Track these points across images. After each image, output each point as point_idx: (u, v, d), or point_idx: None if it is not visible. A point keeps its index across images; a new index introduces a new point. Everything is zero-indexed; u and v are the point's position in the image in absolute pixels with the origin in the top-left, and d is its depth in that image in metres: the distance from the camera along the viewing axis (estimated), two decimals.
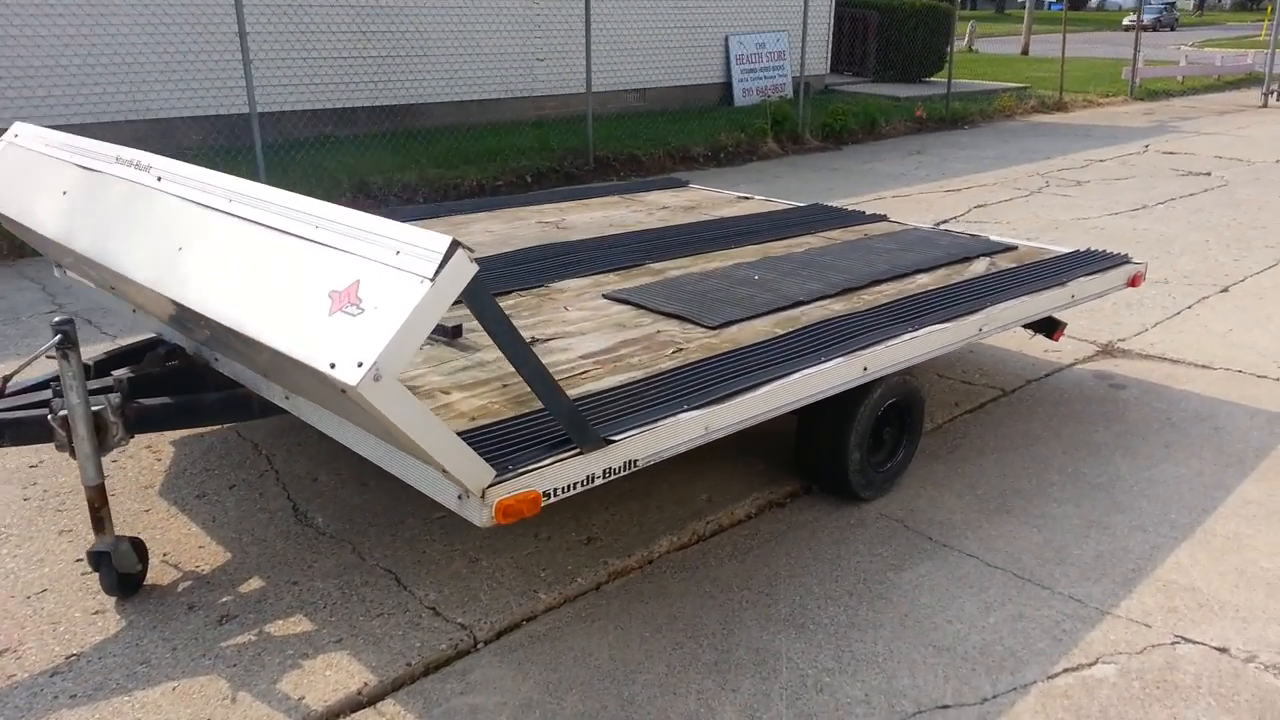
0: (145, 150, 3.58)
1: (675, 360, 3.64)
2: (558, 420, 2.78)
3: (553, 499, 2.81)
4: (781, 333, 3.96)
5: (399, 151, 12.12)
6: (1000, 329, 4.45)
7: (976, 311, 4.29)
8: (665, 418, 3.10)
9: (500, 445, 2.85)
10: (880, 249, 5.37)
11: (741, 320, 4.10)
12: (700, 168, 13.28)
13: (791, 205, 6.72)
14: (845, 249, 5.35)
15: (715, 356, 3.64)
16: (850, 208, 7.08)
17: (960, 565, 3.82)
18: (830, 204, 7.42)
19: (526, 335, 3.85)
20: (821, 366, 3.60)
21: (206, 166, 3.30)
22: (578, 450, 2.84)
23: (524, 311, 4.19)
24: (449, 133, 13.26)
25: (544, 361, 3.45)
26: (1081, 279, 4.81)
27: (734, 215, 6.26)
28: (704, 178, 12.11)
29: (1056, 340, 5.25)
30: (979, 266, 5.12)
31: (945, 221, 9.65)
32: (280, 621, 3.42)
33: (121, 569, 3.42)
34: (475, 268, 2.31)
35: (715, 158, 13.80)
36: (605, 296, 4.41)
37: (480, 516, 2.64)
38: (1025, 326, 4.95)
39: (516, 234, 5.62)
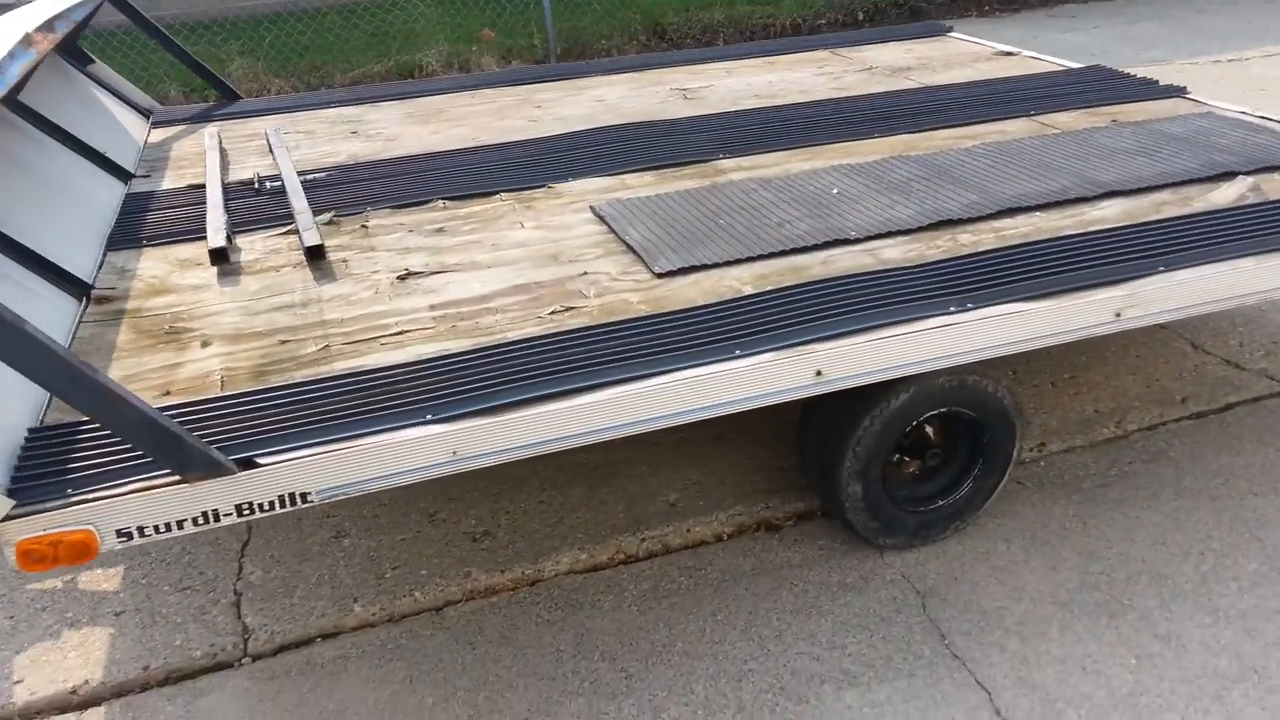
0: None
1: (545, 325, 2.53)
2: (120, 435, 1.94)
3: (134, 541, 1.99)
4: (751, 292, 2.63)
5: None
6: (1167, 315, 2.66)
7: (1112, 284, 2.57)
8: (377, 432, 2.10)
9: (83, 453, 2.06)
10: (1110, 146, 3.53)
11: (717, 265, 2.81)
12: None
13: (1060, 68, 4.76)
14: (1051, 144, 3.59)
15: (601, 325, 2.47)
16: (1153, 75, 4.90)
17: (950, 703, 2.39)
18: (1129, 69, 5.22)
19: (407, 264, 2.93)
20: (729, 364, 2.30)
21: None
22: (177, 478, 1.98)
23: (470, 223, 3.23)
24: None
25: (408, 303, 2.59)
26: None
27: (951, 83, 4.54)
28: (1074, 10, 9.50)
29: None
30: (1231, 191, 3.14)
31: None
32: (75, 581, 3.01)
33: None
34: None
35: None
36: (592, 209, 3.29)
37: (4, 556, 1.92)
38: None
39: (623, 104, 4.50)
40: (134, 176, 3.82)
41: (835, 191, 3.28)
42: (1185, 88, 4.27)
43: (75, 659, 2.69)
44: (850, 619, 2.65)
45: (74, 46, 4.50)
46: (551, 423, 2.19)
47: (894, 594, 2.73)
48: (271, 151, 3.95)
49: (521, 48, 9.46)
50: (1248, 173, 3.27)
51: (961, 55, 5.18)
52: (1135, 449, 3.28)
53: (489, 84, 5.00)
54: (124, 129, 4.33)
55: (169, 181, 3.75)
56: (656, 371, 2.29)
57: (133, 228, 3.29)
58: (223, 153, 4.02)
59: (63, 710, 2.56)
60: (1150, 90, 4.30)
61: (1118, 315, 2.59)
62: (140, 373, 2.41)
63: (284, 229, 3.22)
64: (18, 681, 2.64)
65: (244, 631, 2.74)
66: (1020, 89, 4.34)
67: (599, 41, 9.65)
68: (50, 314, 2.61)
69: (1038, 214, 3.05)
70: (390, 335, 2.53)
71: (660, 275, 2.77)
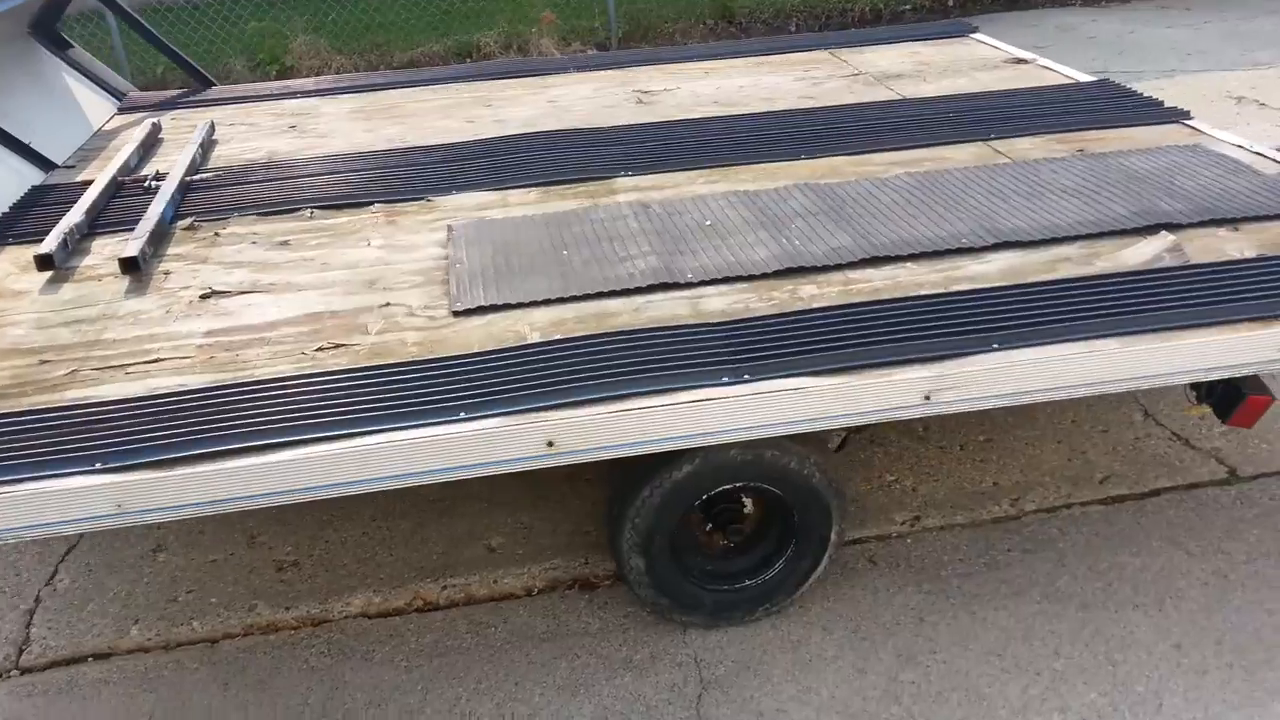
0: None
1: (300, 364, 2.39)
2: None
3: None
4: (537, 340, 2.41)
5: None
6: (1001, 401, 2.29)
7: (920, 363, 2.23)
8: (37, 478, 2.01)
9: None
10: (1046, 183, 3.11)
11: (520, 306, 2.59)
12: None
13: (1065, 82, 4.27)
14: (982, 177, 3.19)
15: (352, 371, 2.31)
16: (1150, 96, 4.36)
17: None
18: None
19: (224, 281, 2.82)
20: (450, 428, 2.11)
21: None
22: None
23: (321, 237, 3.11)
24: None
25: (186, 327, 2.54)
26: None
27: (929, 95, 4.13)
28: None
29: (1237, 425, 2.61)
30: (1146, 250, 2.70)
31: None
32: None
33: None
34: None
35: None
36: (449, 229, 3.11)
37: None
38: (1191, 388, 2.57)
39: (573, 107, 4.28)
40: (57, 167, 3.86)
41: (709, 223, 3.00)
42: (1188, 112, 3.74)
43: None
44: (615, 705, 2.42)
45: (51, 31, 4.59)
46: (229, 481, 2.04)
47: (674, 680, 2.48)
48: (192, 146, 3.92)
49: (582, 30, 9.28)
50: (1185, 226, 2.81)
51: (966, 61, 4.72)
52: (1022, 534, 2.89)
53: (465, 78, 4.86)
54: (78, 115, 4.39)
55: (86, 174, 3.77)
56: (363, 431, 2.11)
57: (8, 222, 3.30)
58: (152, 145, 4.02)
59: None
60: (1147, 114, 3.79)
61: (926, 398, 2.25)
62: None
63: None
64: None
65: (24, 642, 2.72)
66: (997, 107, 3.90)
67: (663, 25, 9.37)
68: None
69: (907, 264, 2.70)
70: (142, 363, 2.43)
71: (456, 314, 2.58)
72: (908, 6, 9.62)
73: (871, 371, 2.23)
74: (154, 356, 2.45)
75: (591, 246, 2.87)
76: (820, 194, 3.15)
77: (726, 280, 2.66)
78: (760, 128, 3.82)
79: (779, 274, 2.68)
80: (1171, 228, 2.81)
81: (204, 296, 2.75)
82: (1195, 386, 2.58)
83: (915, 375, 2.22)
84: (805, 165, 3.47)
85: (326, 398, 2.21)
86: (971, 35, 5.19)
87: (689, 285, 2.65)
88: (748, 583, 2.61)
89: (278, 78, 8.66)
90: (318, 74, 8.67)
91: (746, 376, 2.21)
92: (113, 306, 2.73)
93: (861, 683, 2.43)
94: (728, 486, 2.45)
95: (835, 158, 3.53)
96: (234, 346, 2.49)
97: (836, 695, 2.40)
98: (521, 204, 3.29)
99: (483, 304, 2.59)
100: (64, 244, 3.00)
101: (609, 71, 4.85)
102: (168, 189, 3.38)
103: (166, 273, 2.91)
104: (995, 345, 2.28)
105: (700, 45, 5.38)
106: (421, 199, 3.36)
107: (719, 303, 2.55)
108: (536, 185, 3.41)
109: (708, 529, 2.58)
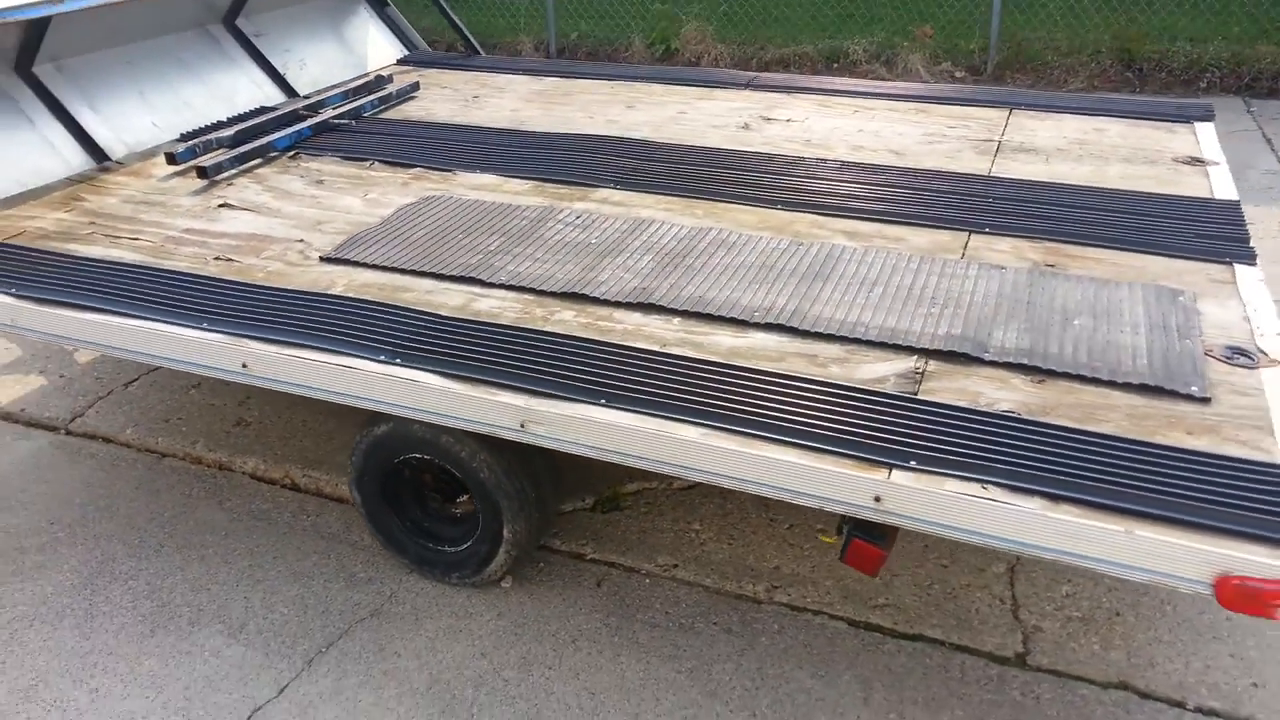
0: None
1: (190, 265, 3.21)
2: None
3: None
4: (327, 293, 2.99)
5: (1210, 9, 8.96)
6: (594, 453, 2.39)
7: (516, 390, 2.43)
8: None
9: None
10: (966, 293, 2.89)
11: (362, 265, 3.16)
12: None
13: (1198, 196, 3.66)
14: (881, 260, 3.06)
15: (199, 276, 3.06)
16: None
17: None
18: None
19: (239, 196, 3.73)
20: (168, 329, 2.79)
21: None
22: None
23: (346, 183, 3.78)
24: None
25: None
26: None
27: (1026, 179, 3.75)
28: None
29: (854, 567, 2.24)
30: (882, 369, 2.52)
31: None
32: None
33: None
34: None
35: None
36: (417, 201, 3.71)
37: None
38: (843, 520, 2.42)
39: (679, 121, 4.54)
40: (298, 96, 5.07)
41: (594, 240, 3.28)
42: (1253, 254, 3.11)
43: None
44: (307, 595, 2.97)
45: None
46: (65, 324, 2.93)
47: (362, 598, 2.95)
48: (370, 96, 4.88)
49: (958, 50, 9.00)
50: (987, 362, 2.54)
51: (1135, 149, 4.14)
52: (741, 616, 2.84)
53: (647, 78, 5.30)
54: (357, 57, 5.58)
55: (305, 104, 4.91)
56: (151, 318, 2.86)
57: (219, 126, 4.49)
58: (373, 91, 5.05)
59: None
60: (1207, 249, 3.19)
61: (521, 426, 2.45)
62: None
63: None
64: None
65: (78, 415, 3.93)
66: (1066, 202, 3.49)
67: (1048, 55, 8.74)
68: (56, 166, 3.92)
69: (675, 320, 2.79)
70: (126, 238, 3.40)
71: (322, 259, 3.21)
72: None
73: (480, 386, 2.48)
74: (136, 235, 3.42)
75: (499, 238, 3.28)
76: (711, 238, 3.24)
77: (519, 289, 2.96)
78: (793, 172, 3.84)
79: (547, 294, 2.91)
80: (967, 359, 2.55)
81: (219, 206, 3.67)
82: (846, 519, 2.39)
83: (512, 400, 2.43)
84: (776, 215, 3.48)
85: (173, 289, 2.98)
86: (1195, 121, 4.46)
87: (491, 285, 3.00)
88: (443, 548, 2.96)
89: (663, 59, 9.64)
90: (698, 59, 9.49)
91: (396, 361, 2.58)
92: (165, 197, 3.75)
93: (481, 664, 2.71)
94: (418, 455, 2.82)
95: (818, 215, 3.47)
96: (182, 242, 3.36)
97: (445, 661, 2.71)
98: (510, 192, 3.76)
99: (345, 258, 3.19)
100: (192, 149, 4.11)
101: (747, 91, 5.00)
102: (304, 124, 4.38)
103: (224, 183, 3.89)
104: (603, 402, 2.39)
105: (880, 83, 5.16)
106: (450, 170, 3.99)
107: (487, 304, 2.89)
108: (534, 179, 3.86)
109: (417, 487, 2.97)
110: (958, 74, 8.87)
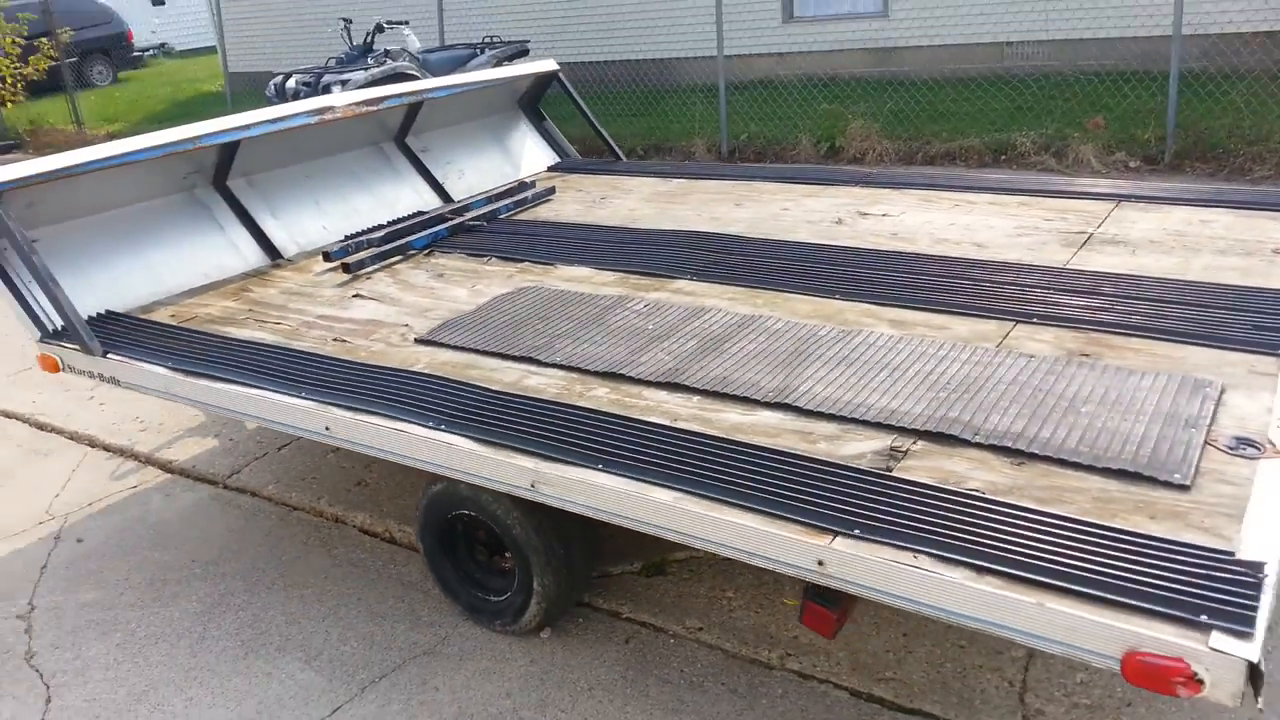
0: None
1: (312, 345, 3.79)
2: None
3: None
4: (407, 369, 3.48)
5: None
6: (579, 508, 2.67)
7: (528, 454, 2.77)
8: None
9: None
10: (979, 378, 2.97)
11: (448, 347, 3.62)
12: None
13: (1275, 288, 3.56)
14: (885, 345, 3.18)
15: (316, 355, 3.63)
16: None
17: None
18: None
19: (370, 288, 4.33)
20: (283, 399, 3.31)
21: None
22: None
23: (461, 277, 4.30)
24: None
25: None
26: None
27: (1127, 272, 3.71)
28: None
29: (811, 628, 2.29)
30: (863, 446, 2.66)
31: None
32: None
33: None
34: None
35: None
36: (525, 288, 4.17)
37: None
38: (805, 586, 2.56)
39: (777, 218, 4.79)
40: (453, 202, 5.76)
41: (652, 328, 3.60)
42: None
43: None
44: (363, 625, 3.39)
45: (533, 106, 6.58)
46: (215, 396, 3.56)
47: (416, 639, 3.34)
48: (507, 200, 5.46)
49: (1133, 140, 8.76)
50: (969, 443, 2.64)
51: (1237, 241, 4.03)
52: (750, 680, 2.99)
53: (769, 178, 5.61)
54: (512, 167, 6.26)
55: (452, 207, 5.58)
56: (285, 392, 3.43)
57: (384, 225, 5.18)
58: (516, 195, 5.64)
59: None
60: (1258, 340, 3.11)
61: (531, 486, 2.77)
62: None
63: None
64: None
65: (235, 472, 4.61)
66: (1129, 293, 3.50)
67: (1232, 143, 8.35)
68: (236, 263, 4.72)
69: (695, 398, 3.05)
70: (271, 322, 4.05)
71: (416, 340, 3.71)
72: None
73: (500, 450, 2.83)
74: (280, 320, 4.06)
75: (568, 324, 3.66)
76: (755, 328, 3.48)
77: (567, 368, 3.31)
78: (863, 265, 4.01)
79: (591, 373, 3.24)
80: (954, 440, 2.66)
81: (353, 296, 4.29)
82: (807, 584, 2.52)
83: (525, 464, 2.76)
84: (830, 304, 3.65)
85: (290, 364, 3.54)
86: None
87: (545, 364, 3.37)
88: (489, 597, 3.30)
89: (827, 156, 9.95)
90: (863, 155, 9.73)
91: (441, 426, 2.99)
92: (314, 289, 4.41)
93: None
94: (466, 512, 3.19)
95: (871, 304, 3.62)
96: (314, 326, 3.96)
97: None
98: (597, 283, 4.16)
99: (433, 340, 3.67)
100: (345, 248, 4.79)
101: (871, 189, 5.19)
102: (443, 226, 5.00)
103: (365, 277, 4.52)
104: (599, 466, 2.68)
105: (990, 175, 5.16)
106: (551, 264, 4.44)
107: (536, 380, 3.25)
108: (620, 271, 4.24)
109: (469, 540, 3.33)
110: (1132, 164, 8.61)
